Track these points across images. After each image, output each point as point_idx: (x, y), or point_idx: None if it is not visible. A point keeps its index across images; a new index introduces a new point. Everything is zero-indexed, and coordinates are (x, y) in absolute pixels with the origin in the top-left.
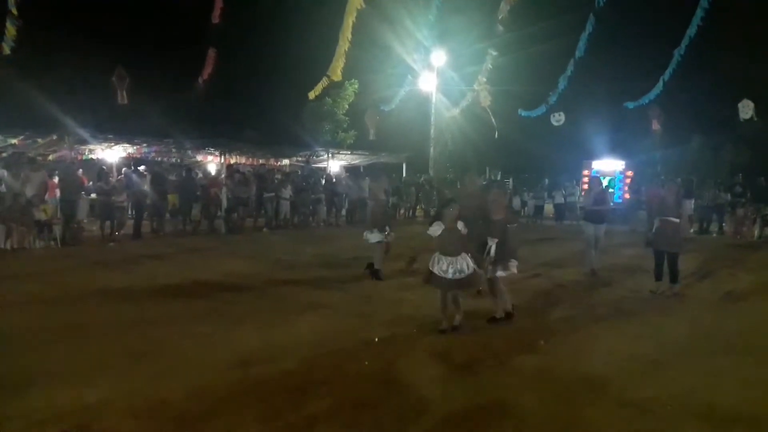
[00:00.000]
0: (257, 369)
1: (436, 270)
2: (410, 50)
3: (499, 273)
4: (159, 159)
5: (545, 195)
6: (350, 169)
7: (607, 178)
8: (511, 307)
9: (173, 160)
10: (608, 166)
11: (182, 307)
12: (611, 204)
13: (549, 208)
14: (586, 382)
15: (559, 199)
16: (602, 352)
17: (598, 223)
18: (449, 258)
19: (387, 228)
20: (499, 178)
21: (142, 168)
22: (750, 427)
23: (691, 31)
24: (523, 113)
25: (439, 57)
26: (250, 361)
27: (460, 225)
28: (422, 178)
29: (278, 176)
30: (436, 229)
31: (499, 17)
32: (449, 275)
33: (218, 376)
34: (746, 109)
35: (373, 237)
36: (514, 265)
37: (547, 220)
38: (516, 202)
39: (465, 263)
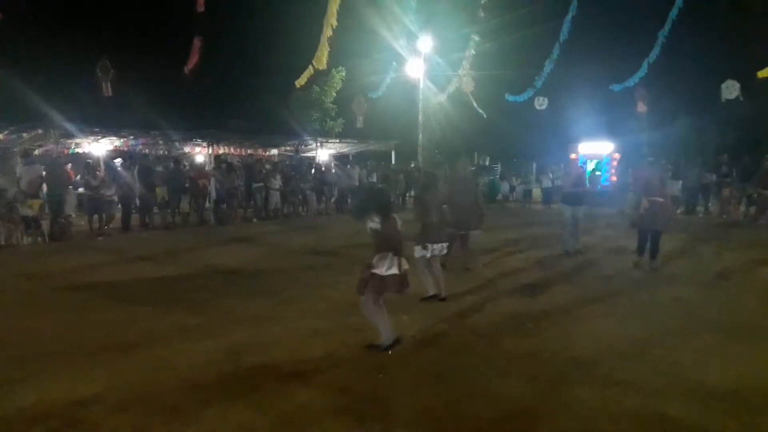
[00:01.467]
0: (249, 359)
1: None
2: (397, 36)
3: (422, 253)
4: (146, 151)
5: (533, 179)
6: (339, 158)
7: (594, 161)
8: (436, 292)
9: (160, 152)
10: (595, 148)
11: (172, 298)
12: (599, 186)
13: (537, 192)
14: (575, 362)
15: (547, 183)
16: (590, 333)
17: (576, 205)
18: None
19: None
20: (487, 163)
21: (118, 161)
22: (736, 403)
23: (674, 13)
24: (510, 98)
25: (426, 42)
26: (242, 351)
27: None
28: (411, 165)
29: (267, 166)
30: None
31: (482, 2)
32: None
33: (210, 366)
34: (730, 90)
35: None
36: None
37: (535, 204)
38: (504, 186)
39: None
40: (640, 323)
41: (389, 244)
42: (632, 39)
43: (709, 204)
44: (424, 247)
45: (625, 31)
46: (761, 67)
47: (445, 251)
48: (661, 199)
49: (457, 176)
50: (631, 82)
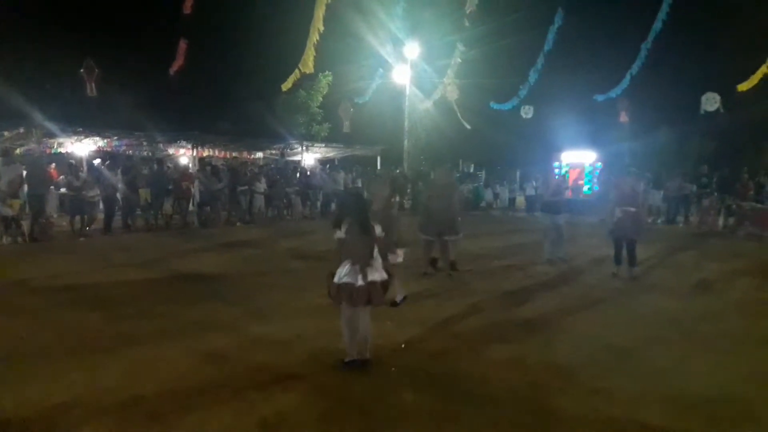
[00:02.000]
0: (230, 364)
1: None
2: (384, 42)
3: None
4: (130, 152)
5: (517, 187)
6: (325, 162)
7: (577, 170)
8: (399, 298)
9: (144, 153)
10: (578, 158)
11: (153, 302)
12: (587, 195)
13: (522, 200)
14: (557, 370)
15: (530, 191)
16: (572, 341)
17: (555, 213)
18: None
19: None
20: (472, 170)
21: (97, 162)
22: (716, 412)
23: (657, 25)
24: (495, 106)
25: (413, 49)
26: (224, 355)
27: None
28: (397, 170)
29: (252, 169)
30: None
31: (467, 11)
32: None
33: (191, 371)
34: (710, 102)
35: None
36: (400, 255)
37: (519, 211)
38: (488, 194)
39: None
40: (621, 332)
41: (351, 252)
42: (616, 50)
43: (690, 214)
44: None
45: (608, 43)
46: (741, 80)
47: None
48: (633, 209)
49: (435, 182)
50: (614, 93)
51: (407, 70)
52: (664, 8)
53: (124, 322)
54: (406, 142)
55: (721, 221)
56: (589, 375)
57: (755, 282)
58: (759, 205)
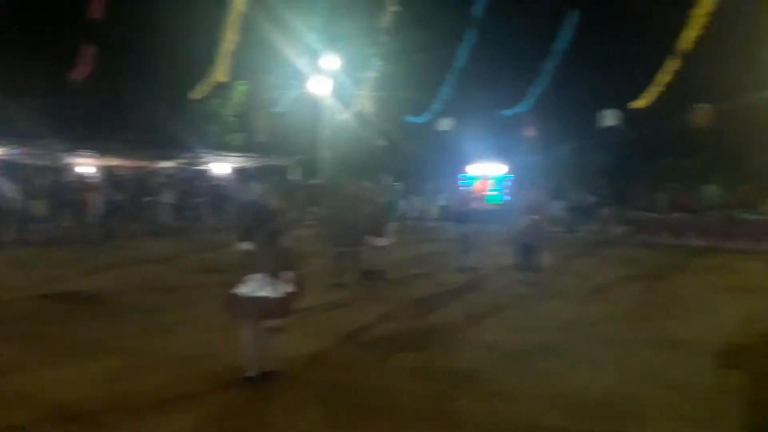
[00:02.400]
0: (124, 385)
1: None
2: (302, 53)
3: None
4: (26, 162)
5: (431, 198)
6: (239, 172)
7: (486, 181)
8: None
9: (43, 162)
10: (489, 170)
11: (43, 321)
12: (496, 205)
13: (435, 210)
14: (461, 376)
15: (443, 202)
16: (476, 347)
17: (463, 223)
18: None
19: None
20: (392, 182)
21: None
22: (606, 410)
23: (560, 45)
24: (410, 119)
25: (331, 61)
26: (118, 377)
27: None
28: (313, 182)
29: (159, 179)
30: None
31: (381, 26)
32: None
33: (81, 395)
34: (608, 118)
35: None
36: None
37: (432, 222)
38: (403, 204)
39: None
40: (522, 336)
41: (255, 265)
42: (522, 68)
43: (589, 224)
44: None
45: (516, 61)
46: (636, 99)
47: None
48: (537, 218)
49: (345, 195)
50: (520, 109)
51: (326, 81)
52: (568, 29)
53: (8, 343)
54: (323, 152)
55: (618, 230)
56: (491, 380)
57: (645, 286)
58: (651, 215)
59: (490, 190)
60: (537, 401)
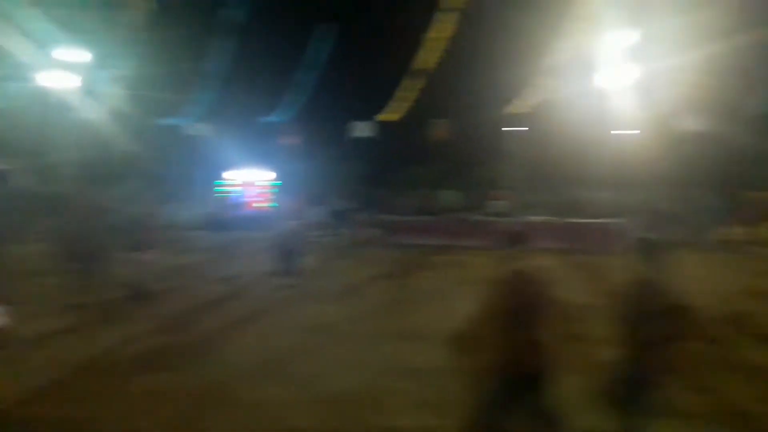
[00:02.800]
0: None
1: None
2: (36, 42)
3: None
4: None
5: (192, 204)
6: None
7: (250, 187)
8: None
9: None
10: (250, 176)
11: None
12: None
13: (196, 217)
14: (212, 389)
15: (206, 209)
16: (232, 356)
17: (220, 230)
18: None
19: None
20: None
21: None
22: (355, 405)
23: (320, 57)
24: (163, 121)
25: (76, 54)
26: None
27: None
28: (45, 189)
29: None
30: None
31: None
32: None
33: None
34: (361, 129)
35: None
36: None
37: (195, 230)
38: (166, 212)
39: None
40: (279, 341)
41: None
42: (282, 77)
43: (347, 228)
44: None
45: (275, 69)
46: (384, 112)
47: None
48: (296, 223)
49: (79, 203)
50: (279, 117)
51: (69, 77)
52: (325, 42)
53: None
54: (62, 156)
55: (371, 233)
56: (244, 390)
57: (393, 283)
58: (400, 218)
59: (258, 197)
60: (290, 405)
